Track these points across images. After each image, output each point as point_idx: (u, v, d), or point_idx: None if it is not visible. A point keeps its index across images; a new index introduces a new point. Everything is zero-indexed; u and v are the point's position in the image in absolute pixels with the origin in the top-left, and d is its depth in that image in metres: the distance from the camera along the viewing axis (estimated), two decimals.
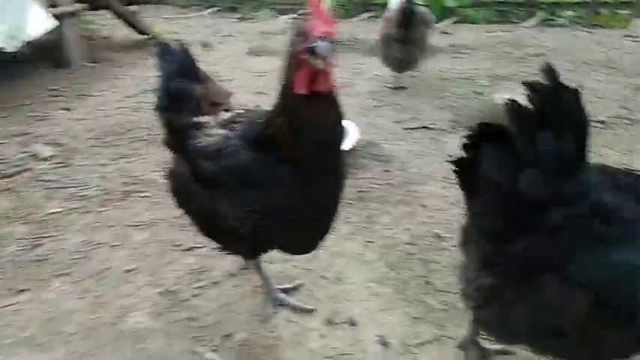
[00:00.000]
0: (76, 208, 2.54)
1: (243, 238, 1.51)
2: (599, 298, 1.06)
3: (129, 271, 2.06)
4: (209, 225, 1.62)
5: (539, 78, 1.07)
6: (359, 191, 2.58)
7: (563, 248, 1.09)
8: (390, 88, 4.13)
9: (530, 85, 1.07)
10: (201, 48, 5.58)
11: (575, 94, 1.08)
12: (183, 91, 1.75)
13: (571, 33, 5.72)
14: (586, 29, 5.90)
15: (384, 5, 5.42)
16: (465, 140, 1.17)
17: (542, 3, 6.45)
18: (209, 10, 8.28)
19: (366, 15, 7.17)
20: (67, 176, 2.86)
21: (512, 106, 1.09)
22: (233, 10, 8.24)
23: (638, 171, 1.29)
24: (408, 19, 3.76)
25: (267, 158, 1.39)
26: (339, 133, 1.40)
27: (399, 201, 2.47)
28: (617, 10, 6.18)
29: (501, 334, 1.32)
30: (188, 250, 2.16)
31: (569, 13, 6.44)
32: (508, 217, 1.14)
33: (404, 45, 3.84)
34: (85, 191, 2.70)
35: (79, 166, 2.99)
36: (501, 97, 3.16)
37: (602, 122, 3.24)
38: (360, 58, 5.03)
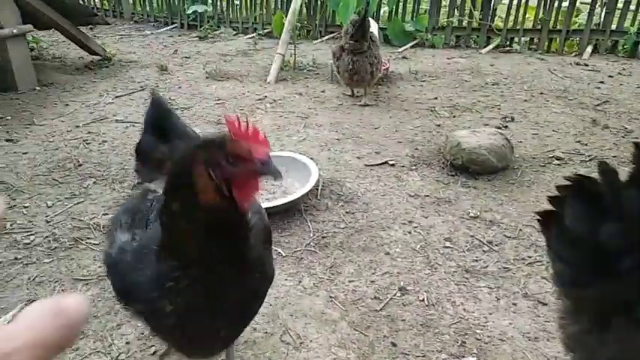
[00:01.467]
0: (18, 260, 2.35)
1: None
2: None
3: None
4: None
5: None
6: (322, 237, 2.51)
7: (633, 291, 1.15)
8: (360, 105, 4.29)
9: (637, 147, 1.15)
10: (159, 71, 5.41)
11: None
12: (145, 152, 1.64)
13: (526, 60, 5.88)
14: (540, 56, 6.08)
15: None
16: (554, 194, 1.26)
17: (498, 29, 6.62)
18: (166, 28, 8.09)
19: (327, 37, 7.16)
20: (9, 220, 2.67)
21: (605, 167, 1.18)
22: (191, 28, 8.08)
23: None
24: (359, 30, 3.97)
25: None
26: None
27: (362, 249, 2.42)
28: (569, 38, 6.40)
29: None
30: None
31: (524, 39, 6.63)
32: (584, 265, 1.22)
33: (355, 56, 4.12)
34: (29, 238, 2.52)
35: (24, 207, 2.79)
36: (459, 136, 3.17)
37: (559, 158, 3.30)
38: (322, 85, 4.98)
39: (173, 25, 8.23)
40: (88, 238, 2.51)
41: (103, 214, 2.71)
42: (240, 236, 1.18)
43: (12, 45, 4.52)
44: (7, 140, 3.63)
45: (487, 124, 3.84)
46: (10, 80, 4.59)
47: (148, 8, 8.73)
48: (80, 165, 3.25)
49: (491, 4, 6.54)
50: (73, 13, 5.30)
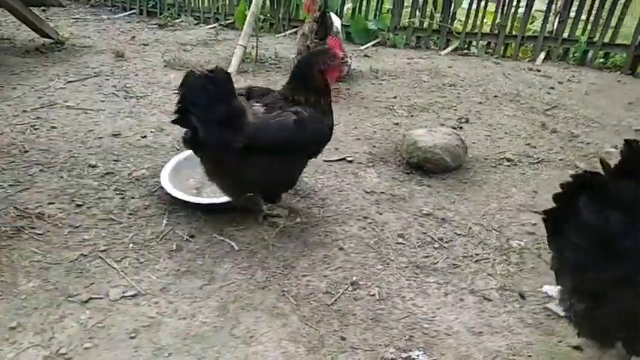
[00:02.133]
0: None
1: None
2: None
3: (12, 328, 1.83)
4: None
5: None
6: (278, 231, 2.50)
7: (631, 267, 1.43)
8: None
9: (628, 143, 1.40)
10: (114, 58, 5.24)
11: None
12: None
13: (482, 63, 6.04)
14: (496, 60, 6.26)
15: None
16: (559, 192, 1.53)
17: (457, 32, 6.76)
18: (125, 14, 7.84)
19: (290, 32, 7.13)
20: None
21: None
22: (150, 15, 7.85)
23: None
24: (322, 29, 4.00)
25: None
26: None
27: (317, 243, 2.42)
28: (524, 44, 6.62)
29: (602, 341, 1.71)
30: (85, 302, 1.96)
31: (482, 43, 6.81)
32: (597, 250, 1.47)
33: None
34: None
35: None
36: (416, 134, 3.23)
37: (509, 160, 3.41)
38: (283, 79, 4.94)
39: (132, 11, 7.99)
40: (32, 228, 2.40)
41: (49, 203, 2.60)
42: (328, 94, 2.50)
43: None
44: None
45: (443, 124, 3.93)
46: None
47: None
48: (26, 151, 3.11)
49: (451, 8, 6.68)
50: None
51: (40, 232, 2.38)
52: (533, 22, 6.97)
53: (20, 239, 2.33)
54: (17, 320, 1.86)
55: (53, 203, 2.61)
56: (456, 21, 6.90)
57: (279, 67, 5.38)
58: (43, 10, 6.77)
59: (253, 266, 2.25)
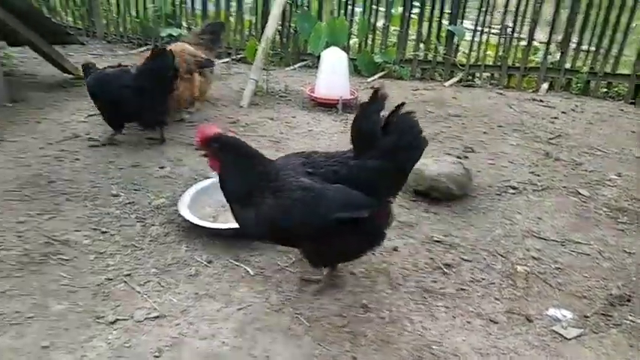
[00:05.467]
0: None
1: None
2: None
3: (45, 347, 1.95)
4: None
5: None
6: (290, 257, 2.62)
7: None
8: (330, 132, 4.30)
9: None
10: None
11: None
12: None
13: (486, 94, 6.21)
14: (500, 91, 6.43)
15: (319, 57, 5.66)
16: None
17: (461, 64, 6.98)
18: (140, 50, 8.16)
19: (299, 65, 7.38)
20: None
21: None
22: None
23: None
24: None
25: None
26: None
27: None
28: (527, 75, 6.80)
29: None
30: (112, 323, 2.08)
31: (485, 74, 7.01)
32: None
33: None
34: (0, 252, 2.54)
35: None
36: (422, 163, 3.36)
37: (514, 188, 3.53)
38: (293, 111, 5.15)
39: (147, 47, 8.29)
40: (59, 254, 2.55)
41: (75, 230, 2.75)
42: None
43: None
44: None
45: (449, 154, 4.06)
46: None
47: (121, 29, 8.78)
48: (52, 182, 3.28)
49: (455, 40, 6.91)
50: (49, 31, 5.34)
51: (67, 257, 2.52)
52: (536, 53, 7.18)
53: (49, 264, 2.47)
54: (49, 340, 1.98)
55: (79, 231, 2.75)
56: (459, 53, 7.12)
57: (289, 100, 5.57)
58: (63, 47, 7.06)
59: (268, 290, 2.37)
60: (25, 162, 3.57)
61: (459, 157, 3.93)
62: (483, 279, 2.53)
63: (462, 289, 2.44)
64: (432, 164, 3.35)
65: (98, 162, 3.64)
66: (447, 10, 7.03)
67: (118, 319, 2.10)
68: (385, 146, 2.05)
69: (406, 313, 2.26)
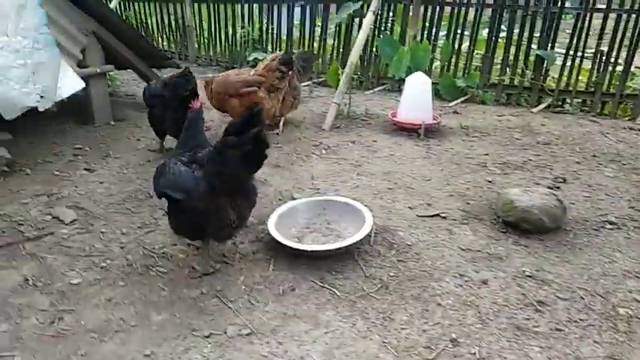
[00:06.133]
0: (96, 280, 2.57)
1: None
2: None
3: (147, 356, 2.07)
4: None
5: None
6: (375, 283, 2.62)
7: None
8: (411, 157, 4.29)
9: None
10: (223, 115, 5.75)
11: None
12: None
13: (578, 121, 5.91)
14: (592, 118, 6.09)
15: (399, 80, 5.67)
16: None
17: (550, 90, 6.70)
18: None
19: (379, 89, 7.42)
20: (88, 243, 2.92)
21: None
22: None
23: None
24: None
25: None
26: None
27: (415, 297, 2.51)
28: (623, 102, 6.39)
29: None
30: (206, 337, 2.18)
31: (577, 100, 6.67)
32: None
33: None
34: (105, 261, 2.75)
35: (101, 232, 3.04)
36: (512, 193, 3.25)
37: (612, 223, 3.31)
38: (374, 135, 5.18)
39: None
40: (158, 266, 2.71)
41: (172, 244, 2.92)
42: None
43: (94, 83, 4.97)
44: (85, 169, 3.97)
45: (538, 184, 3.90)
46: (90, 115, 5.02)
47: (211, 53, 9.33)
48: (151, 197, 3.51)
49: (544, 65, 6.65)
50: (150, 55, 5.78)
51: (165, 270, 2.68)
52: (633, 78, 6.75)
53: (149, 276, 2.63)
54: (150, 349, 2.10)
55: (175, 245, 2.92)
56: (548, 78, 6.84)
57: (370, 124, 5.61)
58: (159, 69, 7.59)
59: (354, 315, 2.37)
60: (127, 177, 3.85)
61: (550, 188, 3.76)
62: (581, 320, 2.39)
63: (558, 330, 2.32)
64: (522, 194, 3.23)
65: None
66: (536, 33, 6.81)
67: (212, 333, 2.20)
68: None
69: (498, 350, 2.17)
